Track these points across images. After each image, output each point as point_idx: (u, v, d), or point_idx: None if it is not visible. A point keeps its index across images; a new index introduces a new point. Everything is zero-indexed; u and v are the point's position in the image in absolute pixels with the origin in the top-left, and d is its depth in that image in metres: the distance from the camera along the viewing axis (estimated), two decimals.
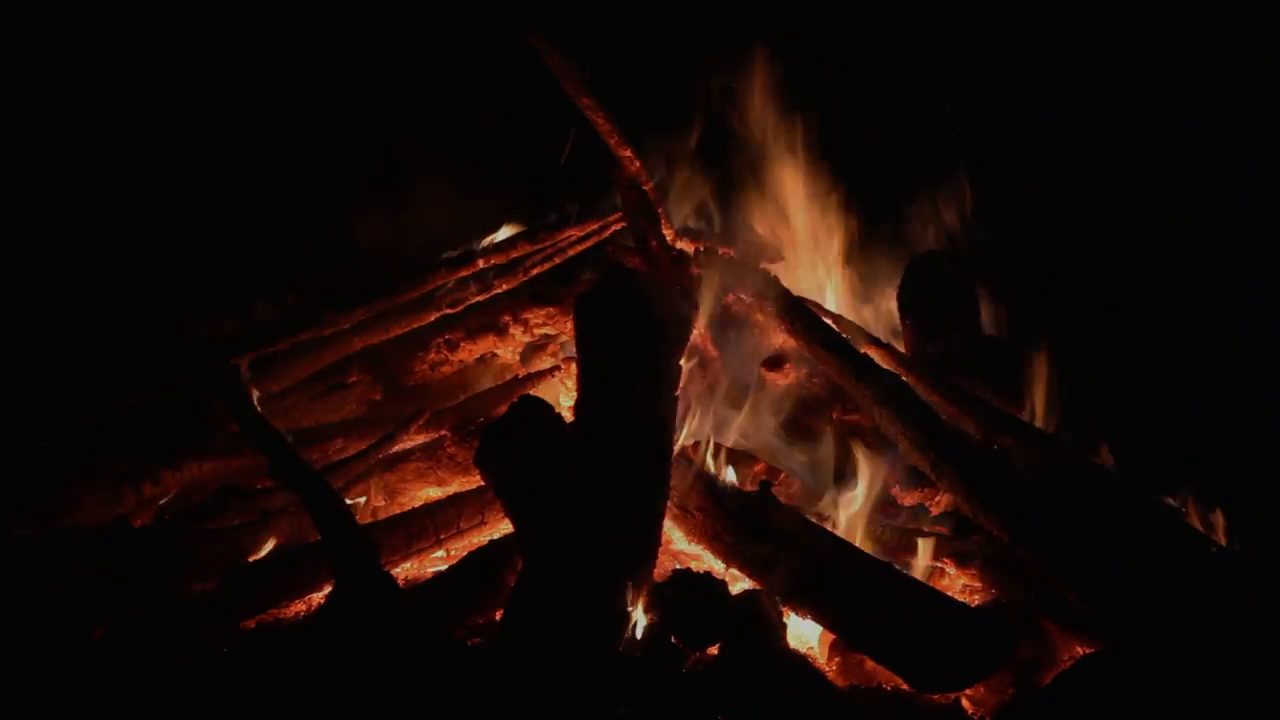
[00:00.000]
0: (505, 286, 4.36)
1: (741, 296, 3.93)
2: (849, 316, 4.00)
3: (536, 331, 4.46)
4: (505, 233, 4.49)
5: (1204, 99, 4.99)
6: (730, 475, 3.10)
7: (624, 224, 4.31)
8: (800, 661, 2.43)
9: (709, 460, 3.12)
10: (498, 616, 2.62)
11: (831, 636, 2.65)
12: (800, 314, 3.70)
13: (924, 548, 2.96)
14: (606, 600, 2.21)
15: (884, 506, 3.26)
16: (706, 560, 3.03)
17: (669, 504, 2.70)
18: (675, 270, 3.94)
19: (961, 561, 2.94)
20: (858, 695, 2.43)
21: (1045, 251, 4.77)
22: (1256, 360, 4.37)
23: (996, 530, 2.73)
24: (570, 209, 4.47)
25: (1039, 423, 3.44)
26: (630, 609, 2.29)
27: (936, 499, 3.27)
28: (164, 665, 2.44)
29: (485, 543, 2.91)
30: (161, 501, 3.39)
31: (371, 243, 4.97)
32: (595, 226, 4.46)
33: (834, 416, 3.78)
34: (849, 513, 3.11)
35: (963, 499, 2.84)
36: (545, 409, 2.74)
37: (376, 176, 5.29)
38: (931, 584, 2.82)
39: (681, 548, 3.13)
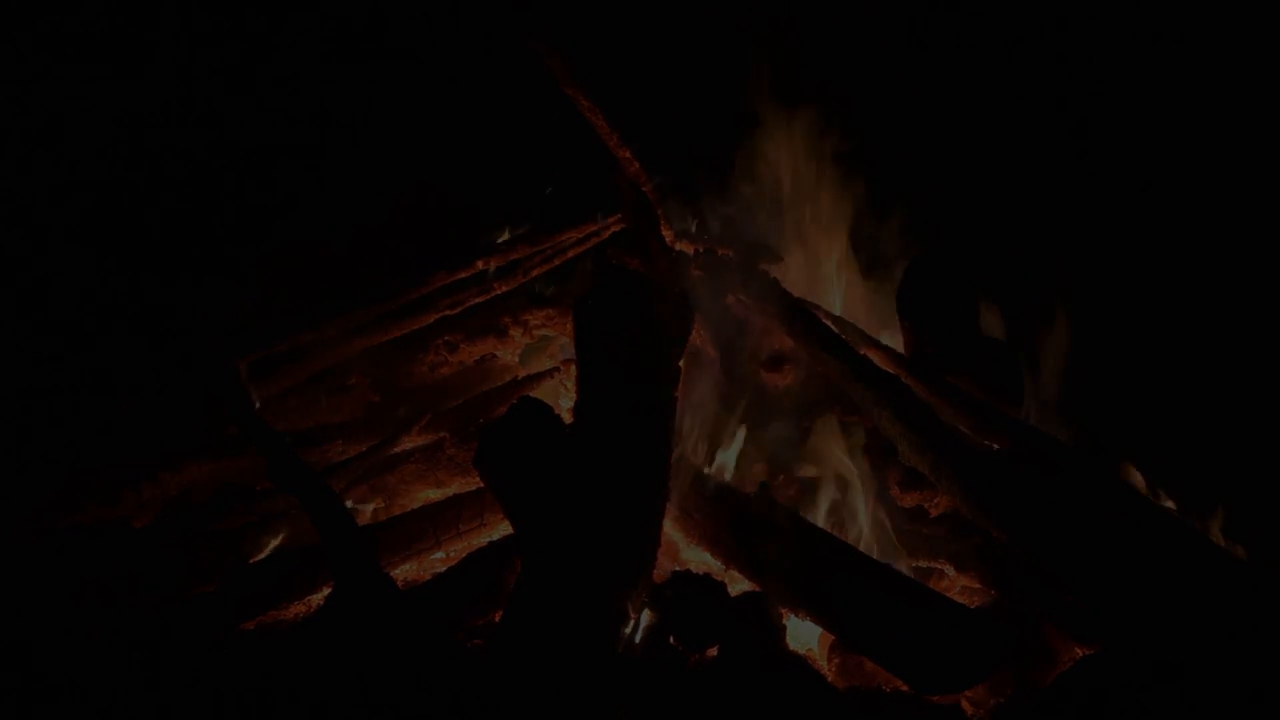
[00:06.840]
0: (505, 288, 4.37)
1: (741, 298, 3.93)
2: (848, 318, 4.00)
3: (536, 333, 4.46)
4: (505, 234, 4.49)
5: (1203, 99, 5.00)
6: (729, 477, 3.10)
7: (623, 225, 4.31)
8: (799, 663, 2.43)
9: (708, 462, 3.12)
10: (497, 618, 2.62)
11: (831, 638, 2.65)
12: (800, 315, 3.70)
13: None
14: (606, 602, 2.21)
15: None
16: (707, 562, 3.03)
17: (668, 506, 2.70)
18: (674, 272, 3.94)
19: (960, 563, 2.94)
20: (857, 697, 2.43)
21: (1044, 252, 4.77)
22: (1256, 360, 4.37)
23: (995, 532, 2.73)
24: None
25: (1037, 422, 3.44)
26: (630, 611, 2.29)
27: (935, 501, 3.27)
28: (164, 667, 2.44)
29: (485, 544, 2.91)
30: (161, 503, 3.39)
31: (371, 244, 4.97)
32: (595, 228, 4.46)
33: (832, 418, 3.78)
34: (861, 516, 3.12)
35: (961, 501, 2.84)
36: (545, 410, 2.74)
37: (376, 179, 5.29)
38: (931, 585, 2.83)
39: (681, 550, 3.13)
